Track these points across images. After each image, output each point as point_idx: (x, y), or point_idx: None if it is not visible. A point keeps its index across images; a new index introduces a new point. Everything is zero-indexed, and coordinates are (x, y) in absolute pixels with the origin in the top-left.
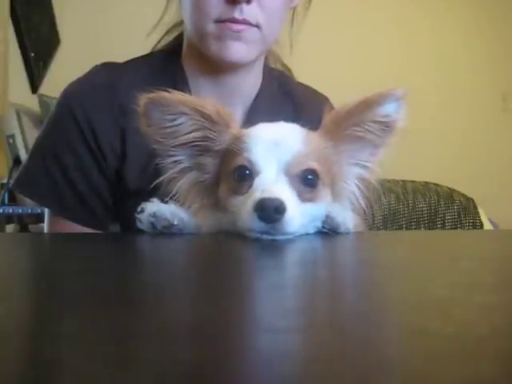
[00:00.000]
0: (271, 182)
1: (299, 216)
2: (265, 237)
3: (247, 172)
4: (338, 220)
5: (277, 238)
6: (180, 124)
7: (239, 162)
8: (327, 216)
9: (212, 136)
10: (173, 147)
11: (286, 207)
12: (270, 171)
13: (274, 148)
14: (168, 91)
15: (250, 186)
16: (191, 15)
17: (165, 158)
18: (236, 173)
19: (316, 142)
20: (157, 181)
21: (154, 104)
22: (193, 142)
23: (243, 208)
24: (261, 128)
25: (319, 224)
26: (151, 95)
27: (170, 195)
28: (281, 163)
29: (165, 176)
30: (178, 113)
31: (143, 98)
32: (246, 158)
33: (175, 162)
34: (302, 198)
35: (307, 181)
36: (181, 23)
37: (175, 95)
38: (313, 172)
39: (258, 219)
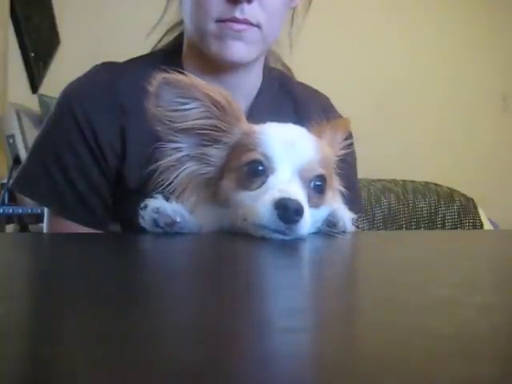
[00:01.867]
0: (287, 182)
1: (309, 220)
2: (276, 236)
3: (260, 168)
4: (338, 215)
5: (288, 238)
6: (190, 109)
7: (253, 157)
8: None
9: (222, 127)
10: (177, 132)
11: (304, 209)
12: (285, 171)
13: (291, 148)
14: (184, 73)
15: (263, 182)
16: (192, 15)
17: (166, 142)
18: (247, 167)
19: (323, 149)
20: (152, 166)
21: (167, 84)
22: (200, 129)
23: (257, 204)
24: (273, 126)
25: (319, 224)
26: (166, 75)
27: (166, 184)
28: (296, 165)
29: (162, 162)
30: (190, 97)
31: (158, 77)
32: (262, 154)
33: (175, 148)
34: (310, 203)
35: (316, 186)
36: (181, 23)
37: (191, 79)
38: (322, 178)
39: (278, 218)
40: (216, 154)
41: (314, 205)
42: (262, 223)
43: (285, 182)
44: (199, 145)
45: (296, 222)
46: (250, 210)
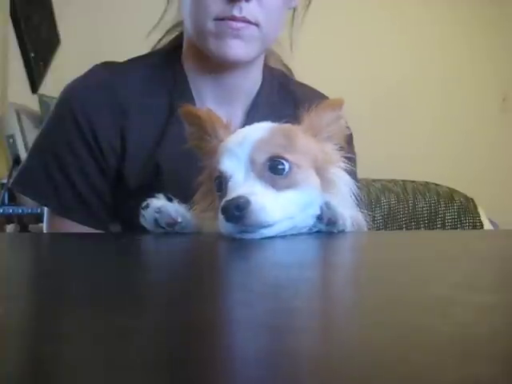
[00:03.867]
0: (239, 183)
1: (277, 205)
2: (246, 236)
3: (223, 181)
4: (337, 211)
5: (260, 234)
6: (191, 133)
7: (214, 175)
8: (326, 205)
9: (201, 151)
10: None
11: (250, 201)
12: (238, 174)
13: (238, 149)
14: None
15: (226, 192)
16: (191, 13)
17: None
18: (215, 185)
19: (284, 131)
20: (196, 182)
21: (184, 116)
22: (198, 148)
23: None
24: (233, 135)
25: (316, 212)
26: (180, 109)
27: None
28: (245, 159)
29: (198, 178)
30: (188, 123)
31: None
32: (218, 169)
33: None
34: (278, 187)
35: (276, 169)
36: (181, 24)
37: (188, 106)
38: (279, 157)
39: (226, 221)
40: (205, 175)
41: (285, 186)
42: (223, 232)
43: (237, 184)
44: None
45: (241, 217)
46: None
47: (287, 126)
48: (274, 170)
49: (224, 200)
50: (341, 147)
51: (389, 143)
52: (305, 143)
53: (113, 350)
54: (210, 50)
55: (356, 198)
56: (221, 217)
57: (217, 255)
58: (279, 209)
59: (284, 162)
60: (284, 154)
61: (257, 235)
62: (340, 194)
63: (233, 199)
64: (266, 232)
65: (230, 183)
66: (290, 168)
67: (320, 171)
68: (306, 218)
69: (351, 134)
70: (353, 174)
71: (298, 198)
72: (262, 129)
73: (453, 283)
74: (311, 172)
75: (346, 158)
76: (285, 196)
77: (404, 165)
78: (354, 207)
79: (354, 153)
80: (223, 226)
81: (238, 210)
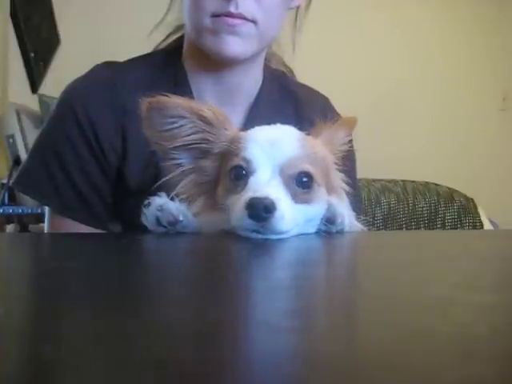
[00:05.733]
0: (265, 182)
1: (292, 216)
2: (255, 235)
3: (243, 172)
4: (337, 212)
5: (268, 237)
6: (179, 126)
7: (236, 162)
8: (327, 206)
9: (210, 138)
10: (174, 150)
11: (276, 206)
12: (264, 171)
13: (270, 149)
14: (167, 95)
15: (245, 185)
16: (189, 11)
17: (166, 160)
18: (233, 172)
19: (313, 147)
20: (158, 183)
21: (153, 108)
22: (192, 144)
23: (235, 206)
24: (258, 130)
25: (318, 222)
26: (151, 100)
27: (173, 194)
28: (276, 164)
29: (165, 178)
30: (177, 116)
31: (144, 103)
32: (243, 158)
33: (177, 164)
34: (297, 199)
35: (302, 183)
36: (183, 26)
37: (174, 99)
38: (307, 174)
39: (248, 217)
40: (209, 164)
41: (302, 201)
42: (239, 224)
43: (263, 182)
44: (195, 158)
45: (266, 219)
46: (231, 212)
47: (311, 139)
48: (299, 183)
49: (252, 196)
50: (343, 157)
51: (389, 143)
52: (322, 157)
53: (113, 349)
54: (207, 46)
55: (353, 208)
56: (243, 211)
57: (218, 255)
58: (292, 219)
59: (310, 179)
60: (312, 171)
61: (264, 236)
62: (340, 199)
63: (261, 198)
64: (274, 236)
65: (252, 178)
66: (313, 185)
67: (328, 184)
68: (308, 228)
69: (351, 140)
70: (352, 185)
71: (308, 212)
72: (294, 140)
73: (453, 283)
74: (324, 189)
75: (345, 170)
76: (299, 208)
77: (404, 165)
78: (351, 212)
79: (353, 153)
80: (241, 218)
81: (266, 211)
